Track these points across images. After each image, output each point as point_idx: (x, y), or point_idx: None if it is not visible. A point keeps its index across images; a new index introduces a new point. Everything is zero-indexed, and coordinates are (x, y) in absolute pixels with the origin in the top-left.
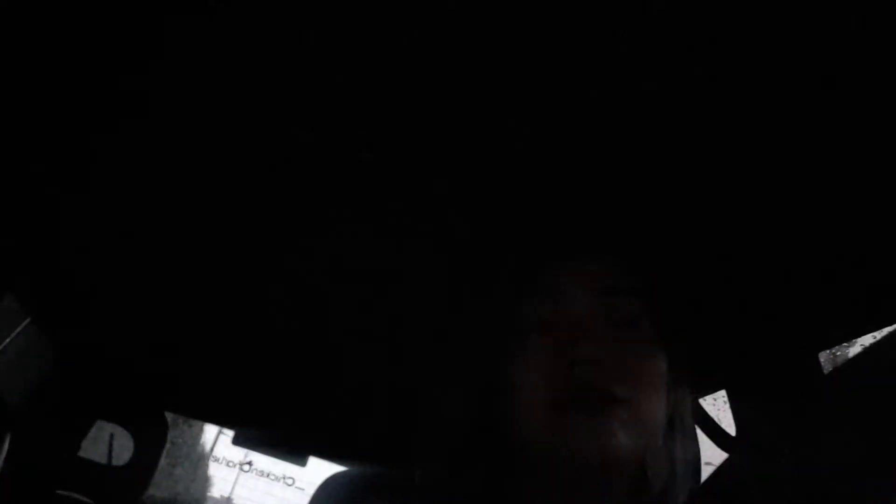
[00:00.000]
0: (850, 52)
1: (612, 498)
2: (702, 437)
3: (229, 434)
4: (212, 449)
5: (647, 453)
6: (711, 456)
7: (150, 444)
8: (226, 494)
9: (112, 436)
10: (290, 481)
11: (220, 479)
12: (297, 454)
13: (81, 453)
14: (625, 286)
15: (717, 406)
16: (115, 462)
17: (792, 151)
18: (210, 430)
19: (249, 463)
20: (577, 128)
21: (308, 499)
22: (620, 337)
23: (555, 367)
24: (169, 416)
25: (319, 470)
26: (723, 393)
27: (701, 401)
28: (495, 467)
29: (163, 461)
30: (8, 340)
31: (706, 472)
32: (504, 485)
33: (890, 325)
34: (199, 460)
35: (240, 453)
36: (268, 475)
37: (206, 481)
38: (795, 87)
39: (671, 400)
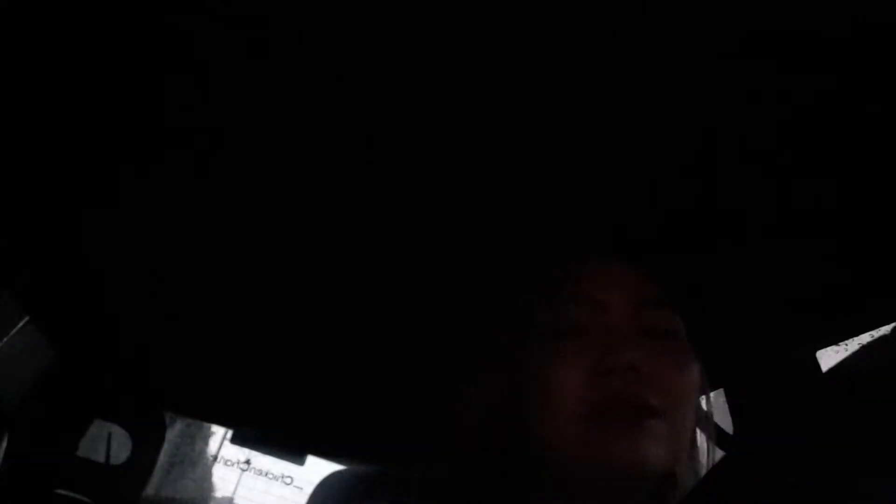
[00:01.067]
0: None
1: None
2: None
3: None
4: (218, 450)
5: (676, 465)
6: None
7: (149, 443)
8: (228, 495)
9: (110, 435)
10: (288, 480)
11: (223, 479)
12: (295, 453)
13: (80, 452)
14: (661, 296)
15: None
16: (113, 461)
17: (791, 151)
18: (215, 432)
19: (248, 462)
20: (576, 129)
21: (306, 497)
22: (657, 348)
23: (589, 374)
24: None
25: (318, 469)
26: (719, 391)
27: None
28: (509, 470)
29: (166, 462)
30: (6, 339)
31: None
32: (518, 488)
33: (887, 323)
34: (204, 462)
35: (242, 454)
36: (266, 474)
37: (209, 482)
38: (794, 89)
39: (700, 411)
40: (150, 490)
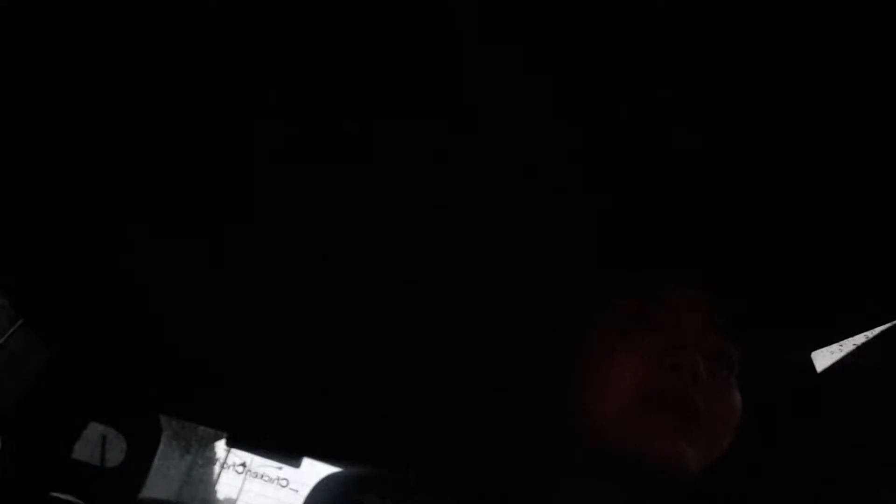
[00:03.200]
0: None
1: None
2: None
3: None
4: (226, 456)
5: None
6: None
7: (144, 446)
8: (233, 496)
9: (105, 438)
10: (284, 482)
11: (225, 483)
12: (291, 455)
13: (75, 455)
14: (727, 326)
15: None
16: (108, 464)
17: (790, 153)
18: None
19: (244, 464)
20: None
21: (302, 499)
22: (716, 368)
23: (652, 366)
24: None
25: (314, 471)
26: None
27: None
28: (544, 453)
29: (171, 464)
30: (1, 341)
31: None
32: (546, 472)
33: (882, 324)
34: (206, 465)
35: (239, 457)
36: (262, 477)
37: (210, 485)
38: (784, 91)
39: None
40: (152, 493)
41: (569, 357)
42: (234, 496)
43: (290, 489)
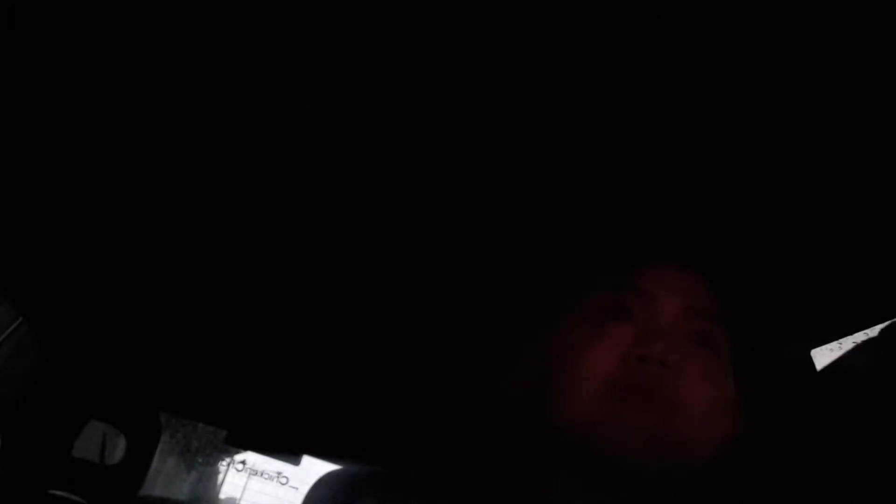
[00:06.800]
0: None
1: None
2: None
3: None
4: (231, 455)
5: (686, 469)
6: None
7: (144, 444)
8: (236, 496)
9: (105, 435)
10: (283, 480)
11: (228, 482)
12: (291, 453)
13: (74, 453)
14: (712, 308)
15: None
16: (107, 462)
17: (792, 150)
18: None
19: (243, 462)
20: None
21: (302, 497)
22: (692, 354)
23: (622, 358)
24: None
25: (314, 469)
26: None
27: None
28: (531, 448)
29: (174, 463)
30: (1, 340)
31: None
32: (536, 470)
33: (882, 322)
34: (209, 464)
35: (239, 454)
36: (262, 474)
37: (214, 484)
38: (788, 89)
39: (732, 423)
40: (155, 492)
41: (546, 352)
42: (237, 495)
43: (290, 486)
